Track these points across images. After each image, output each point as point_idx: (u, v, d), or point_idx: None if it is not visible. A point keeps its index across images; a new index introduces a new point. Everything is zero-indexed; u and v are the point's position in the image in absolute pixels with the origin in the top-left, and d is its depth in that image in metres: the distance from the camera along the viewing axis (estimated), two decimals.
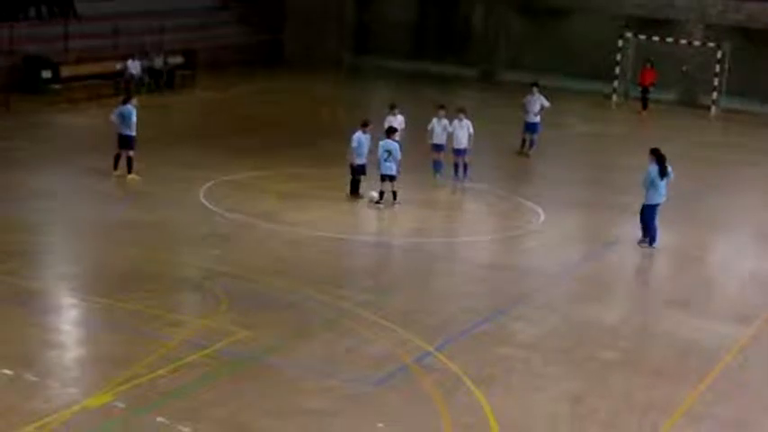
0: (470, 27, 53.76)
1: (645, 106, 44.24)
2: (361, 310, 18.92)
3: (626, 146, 37.36)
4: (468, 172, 28.95)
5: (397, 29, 55.15)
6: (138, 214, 24.76)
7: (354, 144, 26.49)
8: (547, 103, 33.45)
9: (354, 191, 26.62)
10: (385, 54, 53.23)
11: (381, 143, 26.23)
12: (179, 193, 26.32)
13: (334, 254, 22.69)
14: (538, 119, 33.46)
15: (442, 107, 29.61)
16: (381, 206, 26.07)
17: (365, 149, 26.50)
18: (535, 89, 33.67)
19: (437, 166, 29.42)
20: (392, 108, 28.95)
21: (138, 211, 25.05)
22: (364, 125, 26.82)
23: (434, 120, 29.27)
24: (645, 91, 44.31)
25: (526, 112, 33.51)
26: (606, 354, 17.83)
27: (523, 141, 33.65)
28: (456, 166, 29.05)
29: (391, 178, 26.14)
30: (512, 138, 34.02)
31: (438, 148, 29.30)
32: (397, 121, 28.44)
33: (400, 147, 26.60)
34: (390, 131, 26.74)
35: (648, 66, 44.47)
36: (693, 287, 22.14)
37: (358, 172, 26.59)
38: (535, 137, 33.55)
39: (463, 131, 28.81)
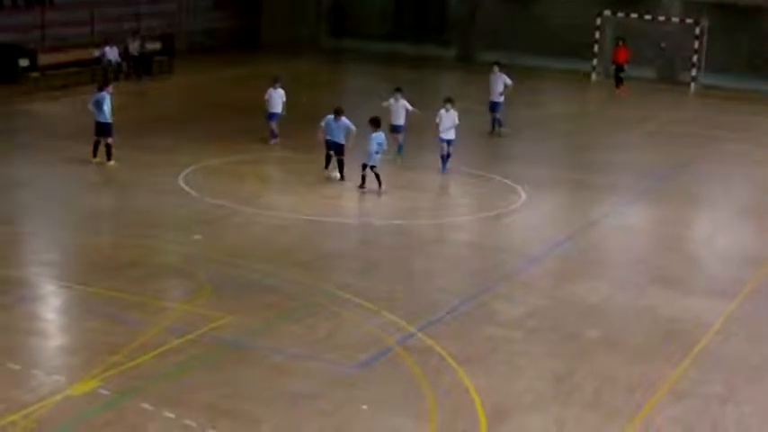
0: (447, 8, 53.71)
1: (618, 84, 44.31)
2: (344, 293, 18.91)
3: (606, 124, 37.41)
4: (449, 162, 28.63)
5: (374, 11, 55.11)
6: (118, 201, 24.68)
7: (322, 124, 26.92)
8: (509, 82, 33.30)
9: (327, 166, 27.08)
10: (362, 36, 53.19)
11: (373, 135, 26.07)
12: (159, 178, 26.25)
13: (316, 237, 22.68)
14: (501, 98, 33.30)
15: (398, 90, 29.59)
16: (364, 191, 26.05)
17: (334, 130, 26.68)
18: (496, 68, 33.54)
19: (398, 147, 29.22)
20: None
21: (118, 197, 24.96)
22: (337, 113, 26.88)
23: (391, 100, 29.23)
24: (619, 69, 44.38)
25: (490, 91, 33.40)
26: (590, 332, 17.86)
27: (493, 121, 33.57)
28: (445, 156, 28.60)
29: (372, 167, 26.10)
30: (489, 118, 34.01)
31: (397, 129, 29.19)
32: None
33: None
34: (375, 122, 26.49)
35: (621, 44, 44.51)
36: (676, 264, 22.18)
37: (329, 148, 26.95)
38: (498, 116, 33.38)
39: (450, 121, 28.52)
